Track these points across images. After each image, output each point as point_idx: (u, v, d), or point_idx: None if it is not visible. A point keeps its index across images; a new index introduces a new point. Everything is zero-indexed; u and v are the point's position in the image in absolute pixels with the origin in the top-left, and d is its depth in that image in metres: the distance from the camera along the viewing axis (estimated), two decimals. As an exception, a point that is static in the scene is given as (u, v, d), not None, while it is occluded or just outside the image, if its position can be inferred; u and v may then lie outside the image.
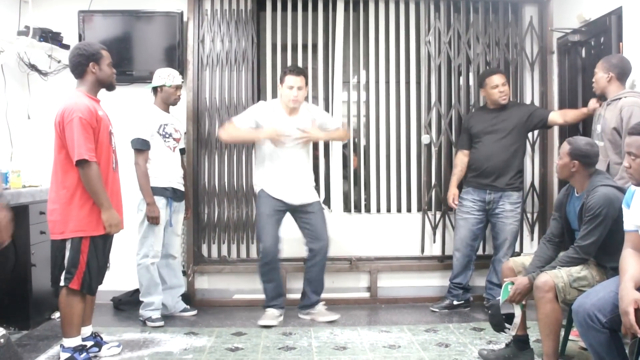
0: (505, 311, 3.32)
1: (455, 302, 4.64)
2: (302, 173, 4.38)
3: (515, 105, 4.65)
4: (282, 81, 4.31)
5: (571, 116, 4.39)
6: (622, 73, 3.65)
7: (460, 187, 4.76)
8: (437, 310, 4.65)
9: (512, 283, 3.26)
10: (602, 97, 3.77)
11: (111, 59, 3.51)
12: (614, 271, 2.72)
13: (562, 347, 3.42)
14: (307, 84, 4.33)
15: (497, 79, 4.51)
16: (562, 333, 3.36)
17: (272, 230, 4.30)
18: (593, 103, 4.02)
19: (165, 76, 4.37)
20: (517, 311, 3.27)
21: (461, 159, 4.74)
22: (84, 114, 3.23)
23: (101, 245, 3.39)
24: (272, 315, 4.32)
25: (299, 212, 4.38)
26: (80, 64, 3.39)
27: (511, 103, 4.61)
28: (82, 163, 3.20)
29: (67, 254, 3.32)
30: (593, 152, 3.18)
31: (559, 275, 3.06)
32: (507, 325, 3.35)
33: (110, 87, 3.54)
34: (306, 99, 4.43)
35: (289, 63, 5.05)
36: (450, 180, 4.82)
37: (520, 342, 3.38)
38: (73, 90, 3.43)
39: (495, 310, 3.35)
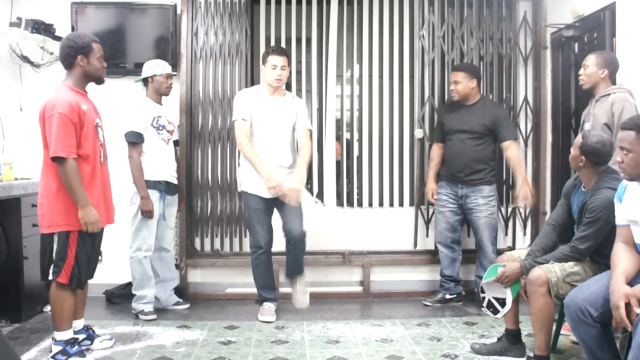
0: (493, 293, 3.33)
1: (447, 296, 4.65)
2: (280, 166, 4.29)
3: (486, 104, 4.60)
4: (264, 61, 4.27)
5: (512, 163, 4.53)
6: (614, 70, 3.67)
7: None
8: (430, 304, 4.66)
9: (503, 266, 3.28)
10: (588, 92, 3.77)
11: (102, 52, 3.44)
12: (608, 267, 2.73)
13: (553, 341, 3.45)
14: (289, 64, 4.30)
15: (452, 76, 4.60)
16: (554, 327, 3.39)
17: (261, 221, 4.29)
18: (524, 192, 4.43)
19: (155, 66, 4.35)
20: (509, 296, 3.27)
21: (437, 152, 4.76)
22: (64, 110, 3.17)
23: (90, 239, 3.36)
24: (270, 311, 4.31)
25: (277, 202, 4.30)
26: (69, 56, 3.33)
27: (480, 102, 4.56)
28: (58, 160, 3.17)
29: (55, 247, 3.30)
30: (604, 151, 3.07)
31: (552, 270, 3.07)
32: (498, 307, 3.34)
33: (98, 81, 3.48)
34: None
35: (283, 56, 5.04)
36: (427, 175, 4.85)
37: (512, 336, 3.40)
38: (58, 83, 3.38)
39: (479, 292, 3.39)
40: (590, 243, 3.07)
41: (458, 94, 4.52)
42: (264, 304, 4.35)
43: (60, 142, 3.15)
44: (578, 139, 3.16)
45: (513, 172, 4.59)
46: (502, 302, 3.30)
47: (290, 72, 4.39)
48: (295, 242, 4.23)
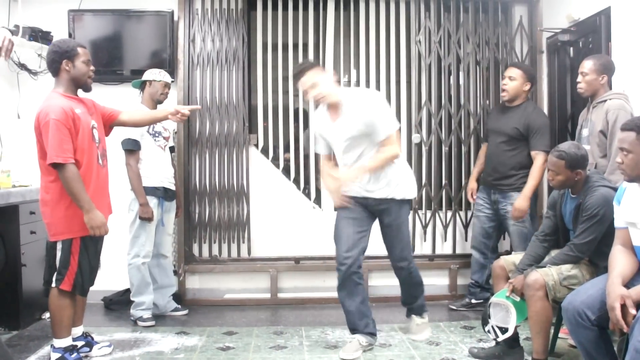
0: (496, 321, 3.30)
1: (473, 301, 4.61)
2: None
3: (525, 109, 4.35)
4: None
5: (530, 175, 4.27)
6: (612, 75, 3.68)
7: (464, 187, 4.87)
8: (455, 308, 4.66)
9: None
10: (589, 99, 3.77)
11: (89, 57, 3.40)
12: (606, 270, 2.75)
13: (551, 344, 3.45)
14: (320, 72, 3.56)
15: (506, 72, 4.44)
16: (552, 331, 3.39)
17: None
18: (517, 203, 4.27)
19: (156, 73, 4.37)
20: (511, 325, 3.23)
21: (482, 152, 4.74)
22: (58, 116, 3.16)
23: (92, 246, 3.37)
24: (352, 346, 3.67)
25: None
26: (54, 62, 3.31)
27: (523, 105, 4.37)
28: (57, 166, 3.16)
29: (58, 254, 3.30)
30: (583, 153, 3.19)
31: (550, 274, 3.08)
32: (499, 334, 3.30)
33: (85, 88, 3.41)
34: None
35: (280, 62, 5.07)
36: (471, 174, 4.86)
37: (511, 340, 3.40)
38: (50, 92, 3.36)
39: (486, 310, 3.36)
40: (590, 238, 3.09)
41: (508, 93, 4.33)
42: (353, 337, 3.76)
43: (57, 148, 3.14)
44: (557, 164, 3.18)
45: (534, 178, 4.27)
46: (504, 330, 3.28)
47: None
48: (396, 269, 3.92)
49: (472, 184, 4.78)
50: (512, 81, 4.32)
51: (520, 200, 4.26)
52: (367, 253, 4.75)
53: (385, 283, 4.99)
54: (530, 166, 4.30)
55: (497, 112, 4.61)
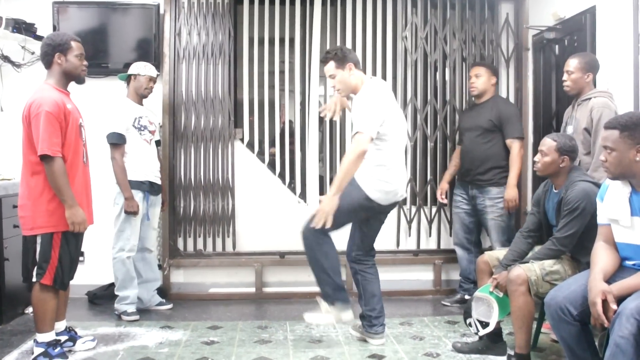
0: (478, 315, 3.31)
1: (466, 297, 4.61)
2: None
3: (494, 101, 4.57)
4: None
5: (510, 163, 4.43)
6: (596, 73, 3.71)
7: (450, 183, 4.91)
8: (448, 304, 4.68)
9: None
10: (574, 97, 3.80)
11: (83, 51, 3.41)
12: (589, 266, 2.78)
13: (534, 339, 3.49)
14: (340, 67, 3.62)
15: (471, 71, 4.66)
16: (535, 326, 3.42)
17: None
18: (507, 195, 4.40)
19: (142, 66, 4.36)
20: (493, 319, 3.25)
21: (455, 154, 4.87)
22: (51, 108, 3.17)
23: (73, 240, 3.35)
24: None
25: None
26: (47, 54, 3.33)
27: (492, 99, 4.58)
28: (45, 158, 3.15)
29: (38, 249, 3.28)
30: (575, 145, 3.28)
31: (532, 269, 3.11)
32: (480, 328, 3.32)
33: (78, 80, 3.44)
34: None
35: (266, 57, 5.05)
36: (443, 175, 4.95)
37: (493, 334, 3.43)
38: (41, 83, 3.36)
39: (469, 303, 3.38)
40: (571, 232, 3.13)
41: (477, 89, 4.56)
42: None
43: (48, 141, 3.14)
44: (549, 144, 3.26)
45: (513, 171, 4.44)
46: (485, 325, 3.30)
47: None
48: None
49: (444, 185, 4.88)
50: (479, 78, 4.57)
51: (509, 191, 4.42)
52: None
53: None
54: (506, 158, 4.48)
55: (467, 112, 4.81)
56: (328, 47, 5.09)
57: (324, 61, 3.72)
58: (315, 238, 3.55)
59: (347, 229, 3.78)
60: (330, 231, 3.55)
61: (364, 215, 3.66)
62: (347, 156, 3.48)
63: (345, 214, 3.53)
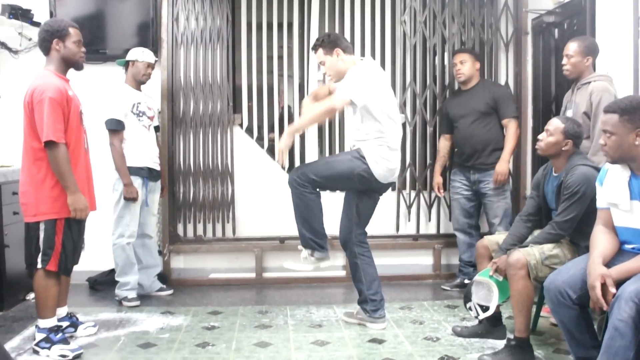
0: (478, 299, 3.32)
1: (466, 281, 4.61)
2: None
3: (484, 85, 4.64)
4: None
5: (506, 140, 4.52)
6: (596, 56, 3.70)
7: (448, 169, 4.92)
8: (448, 288, 4.70)
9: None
10: (574, 81, 3.79)
11: (81, 38, 3.40)
12: (588, 250, 2.79)
13: (533, 323, 3.51)
14: (328, 53, 3.68)
15: (455, 58, 4.66)
16: (534, 310, 3.44)
17: None
18: (499, 167, 4.45)
19: (140, 52, 4.34)
20: (493, 303, 3.26)
21: (443, 144, 4.86)
22: (54, 94, 3.17)
23: (76, 226, 3.36)
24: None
25: None
26: (45, 40, 3.32)
27: (481, 83, 4.63)
28: (49, 144, 3.15)
29: (42, 235, 3.29)
30: (581, 131, 3.27)
31: (531, 253, 3.11)
32: (480, 312, 3.34)
33: (77, 67, 3.43)
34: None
35: (265, 42, 5.04)
36: (434, 168, 4.94)
37: (493, 318, 3.44)
38: (42, 69, 3.36)
39: (469, 287, 3.39)
40: (571, 216, 3.12)
41: (464, 75, 4.57)
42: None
43: (52, 127, 3.14)
44: (556, 125, 3.25)
45: (507, 149, 4.50)
46: (485, 309, 3.32)
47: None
48: None
49: (438, 179, 4.90)
50: (464, 64, 4.58)
51: (500, 164, 4.49)
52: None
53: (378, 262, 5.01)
54: (504, 139, 4.55)
55: (454, 99, 4.78)
56: (326, 32, 5.08)
57: (313, 49, 3.77)
58: (300, 188, 3.65)
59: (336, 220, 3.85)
60: (317, 186, 3.66)
61: (359, 187, 3.71)
62: (318, 106, 3.63)
63: (340, 178, 3.68)
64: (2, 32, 4.71)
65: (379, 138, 3.60)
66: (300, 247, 3.78)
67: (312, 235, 3.69)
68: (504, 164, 4.47)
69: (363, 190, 3.73)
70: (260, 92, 5.07)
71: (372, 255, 3.88)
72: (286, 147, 3.55)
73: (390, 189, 3.89)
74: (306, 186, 3.62)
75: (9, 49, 4.76)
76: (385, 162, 3.61)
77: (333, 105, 3.54)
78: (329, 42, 3.68)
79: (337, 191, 4.39)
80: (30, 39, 4.74)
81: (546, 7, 4.62)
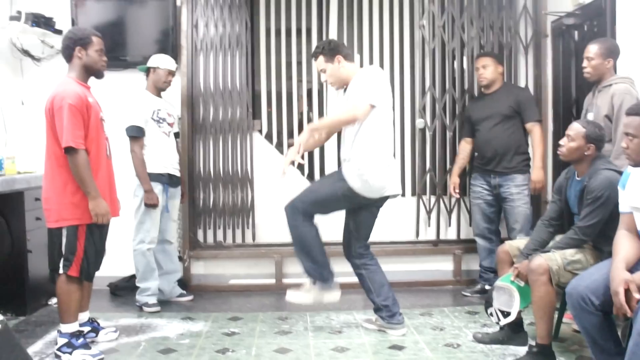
0: (499, 305, 3.30)
1: (487, 287, 4.57)
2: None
3: (507, 88, 4.62)
4: None
5: (534, 146, 4.49)
6: (617, 58, 3.65)
7: (468, 174, 4.89)
8: (469, 294, 4.67)
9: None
10: (594, 83, 3.75)
11: (103, 47, 3.45)
12: (611, 255, 2.75)
13: (555, 329, 3.46)
14: (329, 60, 3.65)
15: (477, 62, 4.63)
16: (556, 316, 3.40)
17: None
18: (534, 176, 4.46)
19: (160, 59, 4.37)
20: (514, 309, 3.24)
21: (464, 147, 4.80)
22: (74, 101, 3.21)
23: (98, 232, 3.39)
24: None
25: None
26: (68, 48, 3.37)
27: (504, 86, 4.60)
28: (69, 150, 3.19)
29: (64, 241, 3.32)
30: (603, 134, 3.22)
31: (553, 258, 3.08)
32: (501, 317, 3.32)
33: (98, 75, 3.48)
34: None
35: (283, 47, 5.06)
36: (452, 169, 4.90)
37: (514, 325, 3.41)
38: (63, 77, 3.40)
39: (490, 293, 3.37)
40: (594, 221, 3.08)
41: (486, 79, 4.55)
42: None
43: (71, 133, 3.18)
44: (577, 129, 3.19)
45: (537, 156, 4.48)
46: (506, 314, 3.29)
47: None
48: None
49: (455, 179, 4.85)
50: (487, 68, 4.56)
51: (536, 172, 4.47)
52: (370, 239, 4.68)
53: (388, 269, 4.99)
54: (526, 143, 4.54)
55: (477, 102, 4.76)
56: (345, 37, 5.08)
57: (313, 56, 3.75)
58: (293, 221, 3.63)
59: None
60: (310, 214, 3.64)
61: (350, 206, 3.71)
62: (340, 113, 3.63)
63: (329, 201, 3.65)
64: (25, 40, 4.78)
65: (370, 154, 3.53)
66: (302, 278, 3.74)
67: (312, 264, 3.67)
68: (539, 172, 4.45)
69: (358, 207, 3.70)
70: (280, 98, 5.08)
71: (378, 262, 3.86)
72: (303, 142, 3.51)
73: (400, 196, 3.87)
74: (297, 218, 3.61)
75: (32, 57, 4.83)
76: (369, 179, 3.52)
77: (355, 114, 3.48)
78: (330, 49, 3.67)
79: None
80: (52, 47, 4.81)
81: (565, 9, 4.58)
